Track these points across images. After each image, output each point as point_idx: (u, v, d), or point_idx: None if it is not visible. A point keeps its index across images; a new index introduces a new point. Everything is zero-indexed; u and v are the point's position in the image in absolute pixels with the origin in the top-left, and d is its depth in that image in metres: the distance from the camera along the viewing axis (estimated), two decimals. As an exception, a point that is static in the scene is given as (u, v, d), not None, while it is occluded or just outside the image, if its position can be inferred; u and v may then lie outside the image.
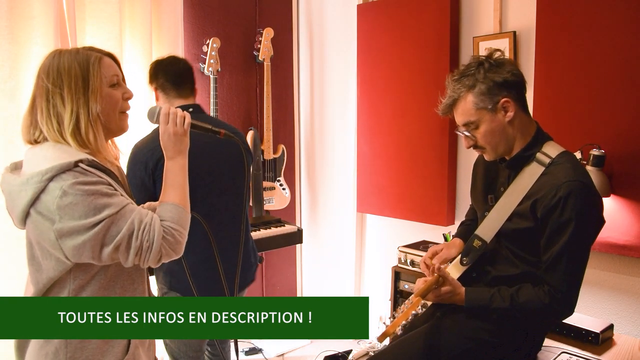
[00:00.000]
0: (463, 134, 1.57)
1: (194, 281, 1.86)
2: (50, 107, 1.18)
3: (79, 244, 1.10)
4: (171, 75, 1.94)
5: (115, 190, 1.17)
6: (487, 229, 1.61)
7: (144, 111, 2.89)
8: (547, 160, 1.51)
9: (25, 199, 1.11)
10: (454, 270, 1.67)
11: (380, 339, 1.47)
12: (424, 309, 1.55)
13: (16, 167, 1.23)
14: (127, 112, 1.29)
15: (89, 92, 1.18)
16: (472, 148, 1.60)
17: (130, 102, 1.32)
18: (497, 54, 1.56)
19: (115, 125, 1.27)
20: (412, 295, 1.56)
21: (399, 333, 1.48)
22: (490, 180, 1.69)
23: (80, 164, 1.13)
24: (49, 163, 1.11)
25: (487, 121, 1.51)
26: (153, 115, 1.34)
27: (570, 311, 1.51)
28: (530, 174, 1.53)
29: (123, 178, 1.38)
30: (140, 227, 1.14)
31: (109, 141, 1.33)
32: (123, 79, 1.30)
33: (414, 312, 1.51)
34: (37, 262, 1.18)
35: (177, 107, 1.89)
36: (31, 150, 1.20)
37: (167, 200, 1.25)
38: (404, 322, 1.48)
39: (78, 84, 1.18)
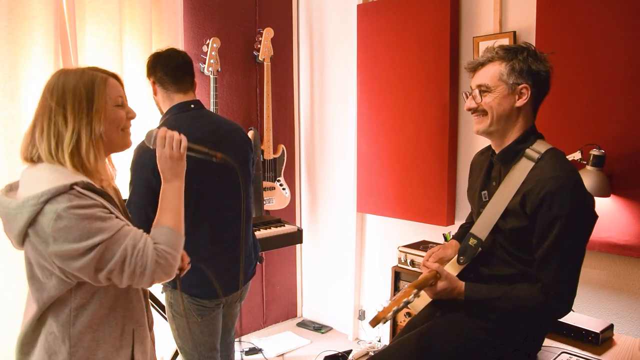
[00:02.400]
0: (472, 93, 1.59)
1: (197, 279, 1.86)
2: (51, 125, 1.18)
3: (75, 268, 1.12)
4: (170, 68, 1.88)
5: (111, 213, 1.17)
6: (482, 226, 1.61)
7: (143, 111, 2.89)
8: (536, 156, 1.53)
9: (22, 222, 1.11)
10: (452, 269, 1.68)
11: (372, 323, 1.47)
12: (416, 298, 1.56)
13: (11, 188, 1.23)
14: (126, 129, 1.30)
15: (92, 112, 1.19)
16: (471, 113, 1.61)
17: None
18: (541, 51, 1.59)
19: (119, 141, 1.28)
20: (407, 285, 1.56)
21: (389, 318, 1.48)
22: (484, 177, 1.70)
23: (76, 187, 1.13)
24: (45, 186, 1.11)
25: (499, 94, 1.54)
26: (150, 139, 1.34)
27: (566, 308, 1.50)
28: (521, 170, 1.54)
29: (120, 199, 1.39)
30: (134, 253, 1.15)
31: (107, 160, 1.34)
32: (126, 99, 1.32)
33: (405, 299, 1.51)
34: (37, 282, 1.18)
35: (178, 103, 1.89)
36: (28, 171, 1.20)
37: (162, 223, 1.26)
38: (395, 308, 1.48)
39: (82, 104, 1.19)
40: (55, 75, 1.23)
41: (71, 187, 1.12)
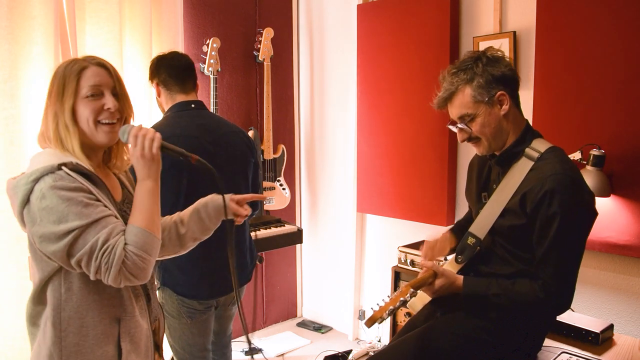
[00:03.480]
0: (457, 127, 1.58)
1: (184, 279, 1.86)
2: (45, 108, 1.24)
3: (50, 251, 1.13)
4: (174, 70, 1.91)
5: (97, 200, 1.17)
6: (480, 226, 1.61)
7: (142, 111, 2.90)
8: (536, 155, 1.52)
9: (18, 201, 1.14)
10: (450, 269, 1.68)
11: (368, 323, 1.47)
12: (413, 298, 1.55)
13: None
14: (105, 122, 1.24)
15: (63, 99, 1.21)
16: (467, 141, 1.60)
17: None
18: (492, 50, 1.58)
19: (92, 136, 1.24)
20: (404, 285, 1.57)
21: (385, 317, 1.48)
22: (484, 179, 1.70)
23: (64, 167, 1.15)
24: (38, 166, 1.15)
25: (484, 114, 1.53)
26: (124, 135, 1.26)
27: (565, 305, 1.50)
28: (520, 170, 1.54)
29: (130, 181, 1.40)
30: (103, 247, 1.12)
31: (125, 148, 1.34)
32: (115, 88, 1.26)
33: (402, 298, 1.51)
34: (32, 264, 1.22)
35: (179, 102, 1.91)
36: (33, 157, 1.24)
37: (132, 222, 1.20)
38: (392, 307, 1.48)
39: (59, 90, 1.21)
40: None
41: (59, 167, 1.14)
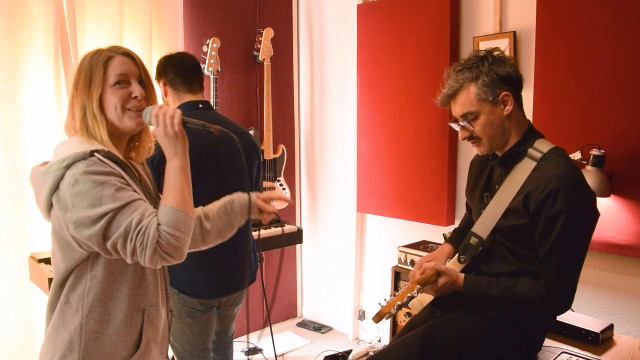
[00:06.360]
0: (460, 124, 1.58)
1: (186, 277, 1.87)
2: (71, 98, 1.25)
3: (85, 236, 1.13)
4: (181, 70, 1.93)
5: (128, 185, 1.19)
6: (483, 225, 1.61)
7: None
8: (539, 156, 1.53)
9: (47, 187, 1.15)
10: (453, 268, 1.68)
11: (376, 319, 1.48)
12: (419, 294, 1.56)
13: (45, 163, 1.26)
14: (132, 108, 1.26)
15: (90, 89, 1.22)
16: (467, 140, 1.60)
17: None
18: (497, 51, 1.58)
19: (118, 122, 1.26)
20: (409, 282, 1.57)
21: (393, 313, 1.48)
22: (486, 179, 1.70)
23: (96, 154, 1.17)
24: (68, 153, 1.16)
25: (487, 113, 1.53)
26: (146, 116, 1.28)
27: (566, 305, 1.50)
28: (523, 170, 1.54)
29: (147, 174, 1.41)
30: (137, 228, 1.13)
31: (146, 138, 1.36)
32: (141, 77, 1.29)
33: (409, 294, 1.51)
34: (57, 252, 1.22)
35: (186, 101, 1.92)
36: (57, 145, 1.25)
37: (164, 202, 1.22)
38: (399, 302, 1.49)
39: (86, 81, 1.23)
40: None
41: (91, 153, 1.16)
